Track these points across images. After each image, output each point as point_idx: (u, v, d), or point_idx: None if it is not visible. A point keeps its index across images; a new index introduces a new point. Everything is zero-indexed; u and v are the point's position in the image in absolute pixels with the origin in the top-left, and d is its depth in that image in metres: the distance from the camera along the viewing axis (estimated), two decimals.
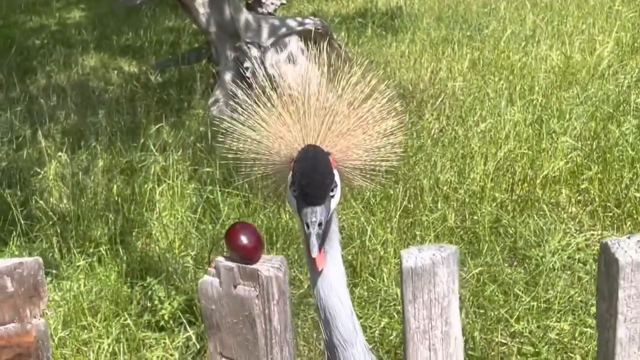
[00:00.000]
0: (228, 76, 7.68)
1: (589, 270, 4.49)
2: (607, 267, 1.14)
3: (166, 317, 4.33)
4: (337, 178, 1.87)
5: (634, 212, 4.99)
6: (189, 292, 4.47)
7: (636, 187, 5.14)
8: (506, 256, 4.73)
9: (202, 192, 5.56)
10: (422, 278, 1.12)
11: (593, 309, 4.16)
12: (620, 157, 5.55)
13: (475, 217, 4.99)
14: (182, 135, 6.74)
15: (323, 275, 1.92)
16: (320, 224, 1.74)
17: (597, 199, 5.19)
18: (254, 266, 1.20)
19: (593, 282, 4.34)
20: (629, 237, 1.12)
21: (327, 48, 7.41)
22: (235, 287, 1.20)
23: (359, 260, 4.59)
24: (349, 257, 4.68)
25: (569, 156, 5.57)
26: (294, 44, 7.69)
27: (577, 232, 4.92)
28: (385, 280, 4.44)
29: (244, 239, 1.22)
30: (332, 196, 1.85)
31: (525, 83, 7.09)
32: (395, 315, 4.14)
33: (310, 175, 1.79)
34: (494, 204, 5.15)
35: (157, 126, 6.78)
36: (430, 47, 9.02)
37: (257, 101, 1.91)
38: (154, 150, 6.18)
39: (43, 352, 1.21)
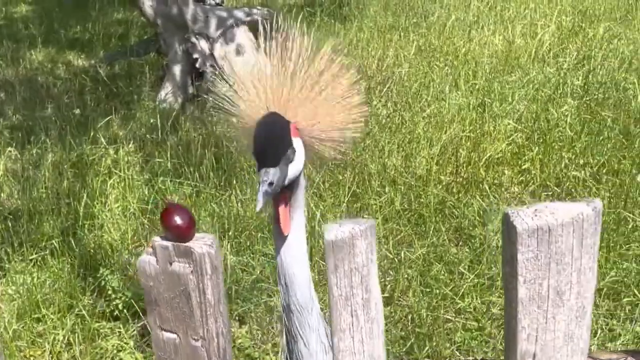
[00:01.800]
0: (177, 68, 7.72)
1: None
2: (508, 234, 1.25)
3: (120, 307, 4.39)
4: (297, 145, 1.97)
5: (574, 190, 5.17)
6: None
7: (575, 166, 5.31)
8: (451, 236, 4.87)
9: (154, 183, 5.61)
10: (342, 250, 1.22)
11: None
12: (560, 137, 5.73)
13: (422, 200, 5.13)
14: (133, 128, 6.78)
15: (286, 243, 2.03)
16: (270, 184, 1.87)
17: (538, 179, 5.36)
18: (188, 244, 1.30)
19: None
20: (528, 207, 1.24)
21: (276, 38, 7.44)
22: (171, 264, 1.29)
23: (310, 244, 4.69)
24: None
25: (510, 138, 5.73)
26: (243, 34, 7.74)
27: None
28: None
29: (177, 219, 1.31)
30: (290, 161, 1.95)
31: (469, 68, 7.24)
32: None
33: (264, 139, 1.91)
34: (440, 187, 5.28)
35: (107, 119, 6.79)
36: (378, 34, 9.13)
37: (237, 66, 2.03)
38: (105, 143, 6.20)
39: None
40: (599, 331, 3.97)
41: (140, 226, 5.15)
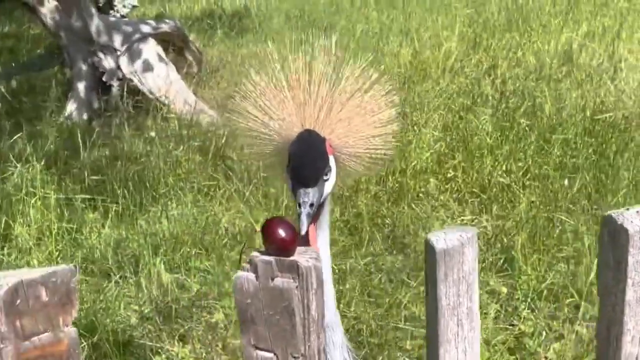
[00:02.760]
0: (82, 82, 7.48)
1: None
2: (613, 237, 1.26)
3: None
4: (332, 163, 1.93)
5: (500, 196, 5.30)
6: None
7: (500, 172, 5.46)
8: (387, 245, 4.90)
9: (73, 201, 5.40)
10: (453, 258, 1.21)
11: None
12: (480, 145, 5.87)
13: (355, 210, 5.14)
14: (42, 145, 6.50)
15: None
16: (312, 205, 1.83)
17: (463, 187, 5.47)
18: (293, 258, 1.25)
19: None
20: (627, 209, 1.25)
21: (185, 51, 7.33)
22: (272, 280, 1.24)
23: None
24: (237, 258, 4.71)
25: (434, 147, 5.83)
26: (151, 47, 7.58)
27: (449, 219, 5.17)
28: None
29: (282, 233, 1.26)
30: (326, 180, 1.91)
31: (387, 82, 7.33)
32: None
33: (303, 158, 1.87)
34: (369, 196, 5.32)
35: (15, 137, 6.50)
36: (282, 47, 9.12)
37: (264, 83, 1.96)
38: (14, 162, 5.91)
39: None
40: (543, 333, 4.08)
41: (65, 246, 4.95)
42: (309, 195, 1.83)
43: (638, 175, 5.24)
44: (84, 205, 5.37)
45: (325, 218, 2.05)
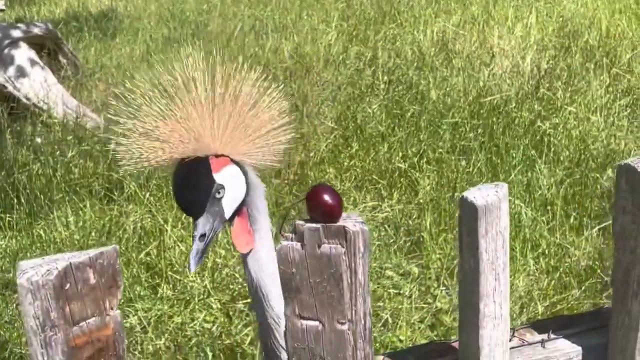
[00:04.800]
0: None
1: (374, 237, 4.82)
2: (632, 184, 1.32)
3: None
4: (226, 174, 1.82)
5: (399, 181, 5.42)
6: None
7: (397, 158, 5.58)
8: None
9: None
10: (492, 213, 1.23)
11: (388, 272, 4.50)
12: (372, 134, 5.98)
13: None
14: None
15: (252, 255, 1.90)
16: (202, 236, 1.74)
17: (361, 174, 5.56)
18: (340, 223, 1.24)
19: (384, 248, 4.68)
20: None
21: (59, 54, 7.06)
22: (319, 246, 1.23)
23: (162, 258, 4.53)
24: (148, 259, 4.60)
25: (330, 137, 5.90)
26: (23, 52, 7.28)
27: (352, 206, 5.24)
28: (191, 275, 4.44)
29: (328, 198, 1.25)
30: (220, 198, 1.82)
31: (266, 74, 7.34)
32: (213, 307, 4.16)
33: (180, 195, 1.77)
34: (270, 189, 5.32)
35: None
36: (156, 46, 8.99)
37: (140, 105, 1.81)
38: None
39: (119, 344, 1.15)
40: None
41: None
42: (198, 227, 1.74)
43: (526, 152, 5.48)
44: None
45: (260, 213, 1.97)
